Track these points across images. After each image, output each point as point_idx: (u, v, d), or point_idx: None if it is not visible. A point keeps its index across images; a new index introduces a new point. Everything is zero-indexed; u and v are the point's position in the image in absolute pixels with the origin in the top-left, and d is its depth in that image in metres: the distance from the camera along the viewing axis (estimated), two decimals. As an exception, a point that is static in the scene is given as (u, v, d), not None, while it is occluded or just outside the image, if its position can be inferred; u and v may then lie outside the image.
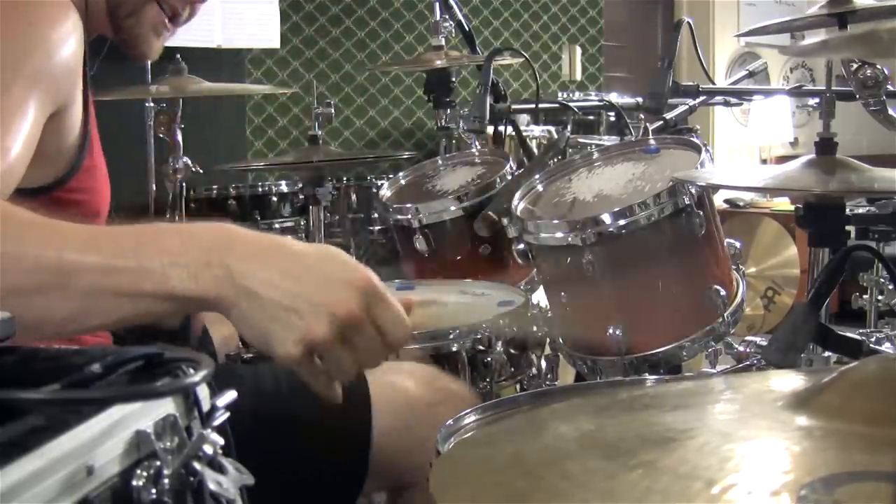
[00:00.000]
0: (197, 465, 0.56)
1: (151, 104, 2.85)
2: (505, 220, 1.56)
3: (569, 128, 2.05)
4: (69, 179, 1.11)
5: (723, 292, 1.44)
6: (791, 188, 1.58)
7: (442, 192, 1.94)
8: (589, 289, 1.45)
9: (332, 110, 2.26)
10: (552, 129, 3.29)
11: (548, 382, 1.49)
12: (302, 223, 3.01)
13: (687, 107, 2.09)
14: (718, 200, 4.36)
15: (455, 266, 1.84)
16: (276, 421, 1.11)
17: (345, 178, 3.40)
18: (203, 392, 0.61)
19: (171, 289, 0.75)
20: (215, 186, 3.10)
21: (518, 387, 1.47)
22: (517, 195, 1.58)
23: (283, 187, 3.14)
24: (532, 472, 0.51)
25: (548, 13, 4.89)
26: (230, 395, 0.63)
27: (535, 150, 2.20)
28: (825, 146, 1.41)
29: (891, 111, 1.50)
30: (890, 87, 1.47)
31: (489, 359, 1.33)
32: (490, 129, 2.12)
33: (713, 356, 1.53)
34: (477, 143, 2.40)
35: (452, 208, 1.83)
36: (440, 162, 2.15)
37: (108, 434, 0.52)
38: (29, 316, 0.72)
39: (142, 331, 1.20)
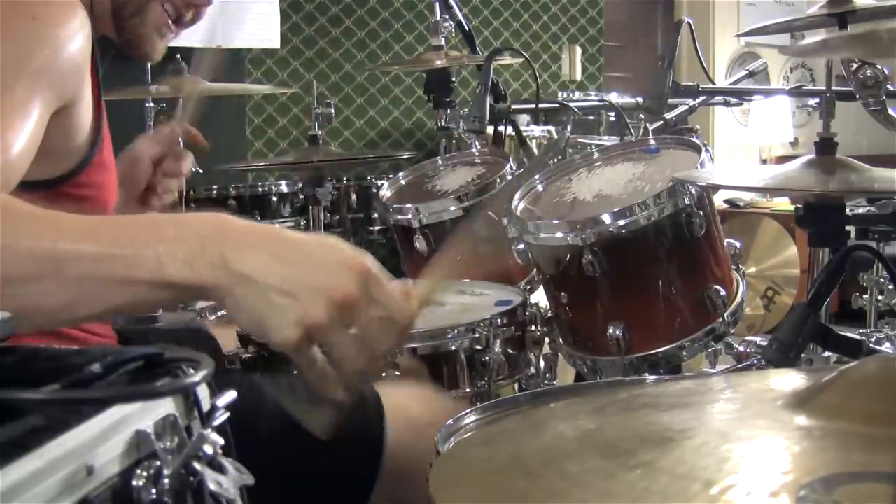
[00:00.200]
0: (197, 465, 0.56)
1: (151, 104, 2.84)
2: (505, 220, 1.56)
3: (569, 128, 2.06)
4: (79, 174, 1.11)
5: (723, 292, 1.44)
6: (791, 188, 1.58)
7: (442, 192, 1.94)
8: (589, 289, 1.45)
9: (332, 110, 2.26)
10: (552, 129, 3.29)
11: (546, 382, 1.49)
12: (302, 223, 3.01)
13: (687, 107, 2.09)
14: (718, 200, 4.36)
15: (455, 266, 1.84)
16: (290, 439, 1.10)
17: (345, 178, 3.40)
18: (203, 392, 0.61)
19: (167, 276, 0.75)
20: (215, 186, 3.10)
21: (516, 386, 1.47)
22: (517, 195, 1.58)
23: (283, 187, 3.14)
24: (531, 471, 0.51)
25: (548, 13, 4.89)
26: (230, 395, 0.63)
27: (535, 150, 2.20)
28: (825, 146, 1.41)
29: (891, 111, 1.50)
30: (890, 87, 1.47)
31: (487, 358, 1.34)
32: (490, 129, 2.12)
33: (713, 356, 1.53)
34: (477, 143, 2.40)
35: (452, 208, 1.83)
36: (440, 162, 2.15)
37: (108, 434, 0.52)
38: (24, 304, 0.73)
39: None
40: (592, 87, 4.99)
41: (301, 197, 3.00)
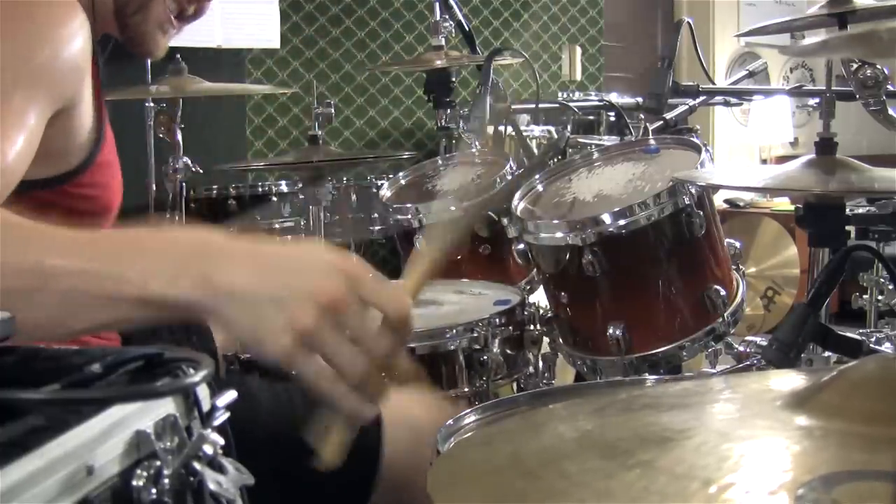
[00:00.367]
0: (197, 465, 0.56)
1: (151, 104, 2.84)
2: (505, 220, 1.56)
3: (569, 128, 2.06)
4: (82, 173, 1.11)
5: (723, 292, 1.44)
6: (791, 188, 1.58)
7: (442, 192, 1.95)
8: (589, 289, 1.45)
9: (332, 110, 2.26)
10: (552, 129, 3.28)
11: (545, 381, 1.49)
12: (302, 223, 3.01)
13: (687, 107, 2.09)
14: (718, 200, 4.36)
15: (455, 266, 1.84)
16: (289, 439, 1.09)
17: (345, 178, 3.40)
18: (203, 392, 0.61)
19: (150, 294, 0.75)
20: (215, 186, 3.10)
21: (515, 385, 1.47)
22: (517, 195, 1.58)
23: (283, 187, 3.14)
24: (530, 472, 0.52)
25: (548, 13, 4.89)
26: (230, 395, 0.63)
27: (535, 150, 2.20)
28: (825, 146, 1.41)
29: (891, 111, 1.50)
30: (890, 87, 1.47)
31: (485, 358, 1.34)
32: (490, 129, 2.12)
33: (713, 356, 1.53)
34: (477, 143, 2.40)
35: (452, 208, 1.83)
36: (440, 162, 2.15)
37: (108, 434, 0.52)
38: (19, 319, 0.72)
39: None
40: (592, 87, 4.99)
41: (301, 197, 3.00)
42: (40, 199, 1.03)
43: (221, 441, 0.59)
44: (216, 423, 0.60)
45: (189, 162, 2.55)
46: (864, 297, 2.77)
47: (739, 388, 0.66)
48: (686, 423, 0.56)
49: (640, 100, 2.12)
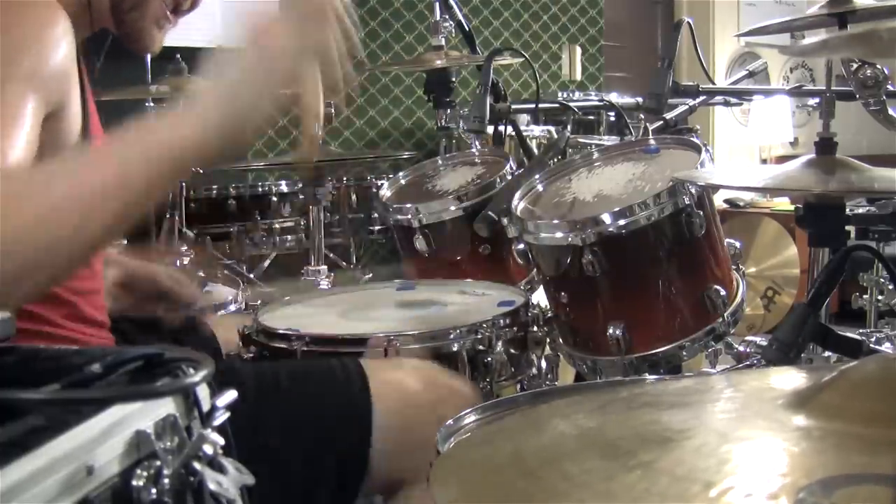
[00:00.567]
0: (197, 465, 0.56)
1: (151, 104, 2.84)
2: (505, 220, 1.56)
3: (569, 128, 2.06)
4: None
5: (723, 292, 1.44)
6: (791, 188, 1.58)
7: (442, 192, 1.95)
8: (589, 289, 1.45)
9: (333, 110, 2.25)
10: (552, 129, 3.29)
11: (548, 382, 1.49)
12: (302, 223, 3.01)
13: (687, 107, 2.09)
14: (718, 200, 4.36)
15: (455, 266, 1.84)
16: (275, 420, 1.11)
17: (345, 178, 3.40)
18: (203, 392, 0.61)
19: (156, 141, 0.83)
20: (215, 186, 3.09)
21: (518, 387, 1.47)
22: (517, 195, 1.58)
23: (283, 187, 3.13)
24: (532, 472, 0.51)
25: (548, 13, 4.89)
26: (230, 395, 0.63)
27: (535, 150, 2.20)
28: (825, 146, 1.41)
29: (891, 111, 1.50)
30: (890, 87, 1.47)
31: (489, 359, 1.33)
32: (490, 129, 2.12)
33: (713, 356, 1.53)
34: (477, 143, 2.40)
35: (452, 208, 1.83)
36: (440, 162, 2.15)
37: (108, 434, 0.52)
38: (86, 237, 0.80)
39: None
40: (592, 87, 4.99)
41: (301, 197, 3.00)
42: None
43: (221, 441, 0.59)
44: (216, 423, 0.60)
45: (189, 162, 2.54)
46: (864, 297, 2.77)
47: (740, 386, 0.66)
48: (686, 422, 0.56)
49: (640, 100, 2.12)
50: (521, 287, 1.70)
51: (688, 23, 1.88)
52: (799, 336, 1.15)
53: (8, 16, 0.99)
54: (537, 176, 1.63)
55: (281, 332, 1.34)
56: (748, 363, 1.44)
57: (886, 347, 1.58)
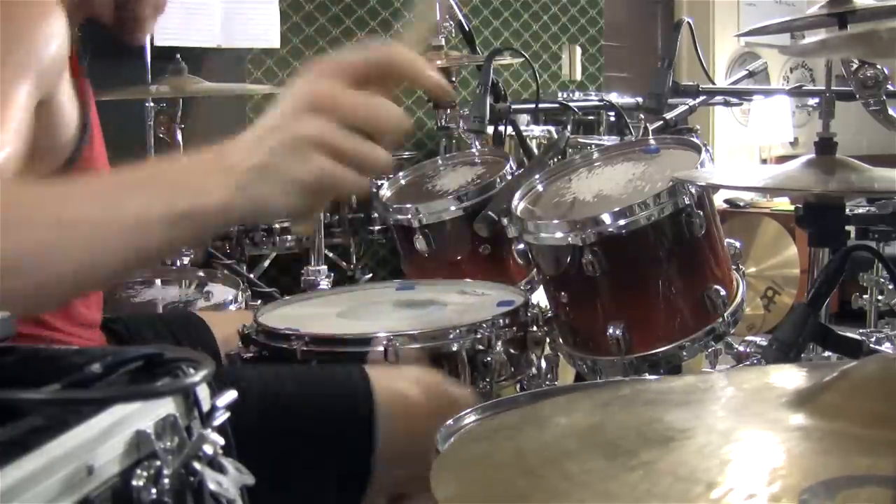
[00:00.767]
0: (197, 465, 0.56)
1: (151, 104, 2.84)
2: (505, 220, 1.56)
3: (569, 128, 2.06)
4: (67, 172, 1.11)
5: (723, 292, 1.44)
6: (791, 188, 1.58)
7: (442, 192, 1.95)
8: (589, 289, 1.45)
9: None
10: (552, 129, 3.29)
11: (548, 382, 1.49)
12: (302, 223, 3.00)
13: (687, 107, 2.09)
14: (718, 200, 4.36)
15: (455, 266, 1.84)
16: (279, 425, 1.10)
17: (345, 178, 3.39)
18: (203, 392, 0.60)
19: (179, 209, 0.77)
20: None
21: (518, 387, 1.47)
22: (517, 195, 1.58)
23: (284, 187, 3.13)
24: (532, 470, 0.51)
25: (548, 13, 4.89)
26: (230, 395, 0.62)
27: (535, 150, 2.20)
28: (825, 146, 1.41)
29: (891, 111, 1.50)
30: (890, 87, 1.48)
31: (489, 358, 1.33)
32: (490, 129, 2.13)
33: (713, 356, 1.53)
34: (477, 143, 2.40)
35: (452, 208, 1.83)
36: (440, 162, 2.15)
37: (108, 434, 0.51)
38: (45, 277, 0.75)
39: None
40: (592, 87, 4.99)
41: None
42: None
43: (221, 441, 0.59)
44: (216, 423, 0.60)
45: (189, 162, 2.54)
46: (864, 297, 2.77)
47: (741, 385, 0.65)
48: (688, 421, 0.56)
49: (640, 100, 2.12)
50: (521, 287, 1.70)
51: (688, 23, 1.88)
52: (799, 336, 1.15)
53: (5, 9, 0.99)
54: (537, 176, 1.63)
55: (281, 331, 1.34)
56: (748, 363, 1.44)
57: (886, 347, 1.58)
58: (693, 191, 1.41)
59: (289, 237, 2.99)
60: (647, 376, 1.34)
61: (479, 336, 1.34)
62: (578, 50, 4.35)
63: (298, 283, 2.33)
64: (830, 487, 0.44)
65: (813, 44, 1.32)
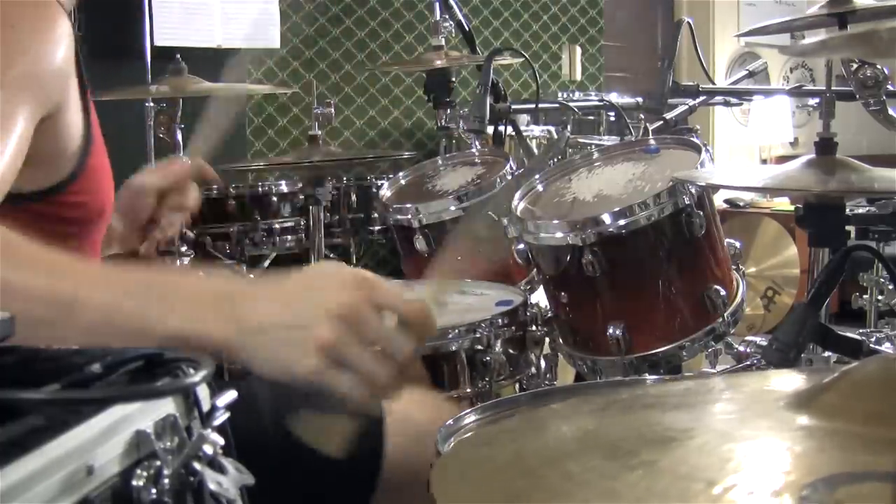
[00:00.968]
0: (197, 465, 0.56)
1: (151, 104, 2.84)
2: (505, 220, 1.56)
3: (569, 128, 2.06)
4: (73, 181, 1.10)
5: (723, 292, 1.44)
6: (791, 188, 1.58)
7: (442, 192, 1.94)
8: (589, 289, 1.45)
9: (332, 110, 2.26)
10: (552, 129, 3.29)
11: (547, 382, 1.49)
12: (302, 223, 3.01)
13: (687, 107, 2.09)
14: (718, 200, 4.36)
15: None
16: (285, 442, 1.09)
17: (345, 178, 3.40)
18: (203, 392, 0.61)
19: (174, 331, 0.77)
20: (215, 186, 3.09)
21: (517, 386, 1.47)
22: (517, 195, 1.58)
23: (283, 187, 3.13)
24: (533, 471, 0.51)
25: (548, 13, 4.89)
26: (230, 395, 0.62)
27: (535, 150, 2.20)
28: (825, 146, 1.40)
29: (891, 111, 1.50)
30: (890, 87, 1.47)
31: (488, 358, 1.33)
32: (490, 129, 2.12)
33: (713, 356, 1.53)
34: (477, 143, 2.40)
35: (452, 208, 1.83)
36: (440, 162, 2.15)
37: (108, 434, 0.51)
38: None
39: None
40: (592, 87, 4.99)
41: (301, 197, 2.99)
42: (34, 212, 1.03)
43: (221, 441, 0.59)
44: (216, 423, 0.60)
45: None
46: (864, 297, 2.77)
47: (741, 388, 0.66)
48: (688, 423, 0.56)
49: (640, 100, 2.12)
50: (521, 287, 1.70)
51: (688, 23, 1.89)
52: (799, 336, 1.15)
53: (7, 15, 0.98)
54: (537, 176, 1.63)
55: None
56: (748, 363, 1.44)
57: (886, 347, 1.58)
58: (693, 191, 1.41)
59: (289, 237, 2.99)
60: (647, 376, 1.34)
61: (477, 336, 1.34)
62: (578, 50, 4.34)
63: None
64: (831, 483, 0.44)
65: (813, 44, 1.32)
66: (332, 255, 3.31)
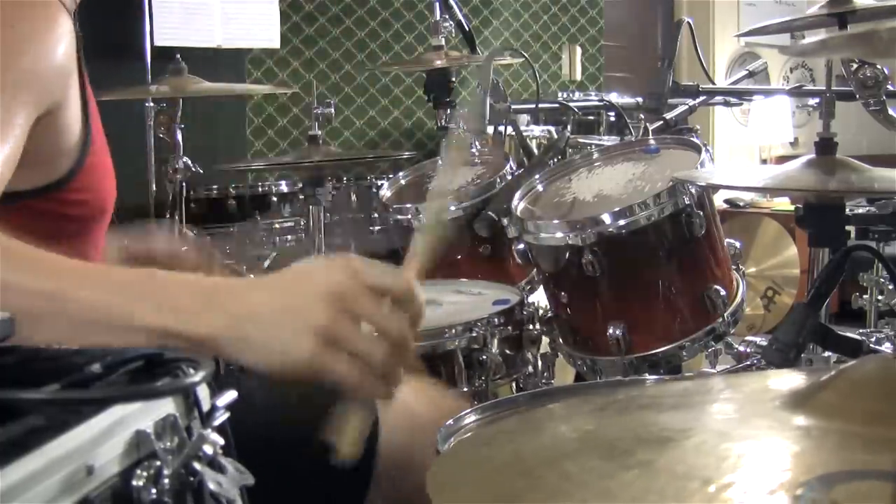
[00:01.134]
0: (197, 465, 0.56)
1: (151, 104, 2.84)
2: (505, 220, 1.56)
3: (569, 128, 2.06)
4: (73, 179, 1.10)
5: (723, 292, 1.44)
6: (791, 188, 1.58)
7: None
8: (589, 289, 1.45)
9: (332, 110, 2.26)
10: (552, 129, 3.29)
11: (544, 381, 1.49)
12: (302, 223, 3.01)
13: (687, 107, 2.09)
14: (718, 200, 4.35)
15: (455, 266, 1.84)
16: (280, 436, 1.09)
17: (345, 178, 3.40)
18: (203, 392, 0.61)
19: (166, 326, 0.77)
20: (215, 186, 3.09)
21: (514, 385, 1.47)
22: (517, 195, 1.58)
23: (283, 187, 3.14)
24: (531, 471, 0.52)
25: (548, 13, 4.89)
26: (230, 395, 0.63)
27: (535, 150, 2.20)
28: (825, 146, 1.41)
29: (891, 111, 1.50)
30: (890, 87, 1.47)
31: (484, 357, 1.34)
32: (490, 129, 2.12)
33: (713, 356, 1.53)
34: (477, 143, 2.40)
35: (452, 208, 1.83)
36: (440, 162, 2.15)
37: (108, 434, 0.52)
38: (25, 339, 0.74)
39: None
40: (592, 87, 4.99)
41: (301, 197, 3.00)
42: (33, 209, 1.03)
43: (221, 441, 0.59)
44: (216, 423, 0.60)
45: (189, 162, 2.54)
46: (864, 297, 2.77)
47: (739, 388, 0.66)
48: (685, 422, 0.56)
49: (640, 100, 2.12)
50: (521, 287, 1.70)
51: (688, 23, 1.89)
52: (799, 336, 1.15)
53: (7, 15, 0.98)
54: (537, 176, 1.63)
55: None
56: (748, 363, 1.44)
57: (886, 347, 1.58)
58: (693, 191, 1.41)
59: (289, 237, 2.99)
60: (647, 376, 1.34)
61: (474, 335, 1.34)
62: (578, 50, 4.35)
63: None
64: (827, 481, 0.44)
65: (813, 44, 1.32)
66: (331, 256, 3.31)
